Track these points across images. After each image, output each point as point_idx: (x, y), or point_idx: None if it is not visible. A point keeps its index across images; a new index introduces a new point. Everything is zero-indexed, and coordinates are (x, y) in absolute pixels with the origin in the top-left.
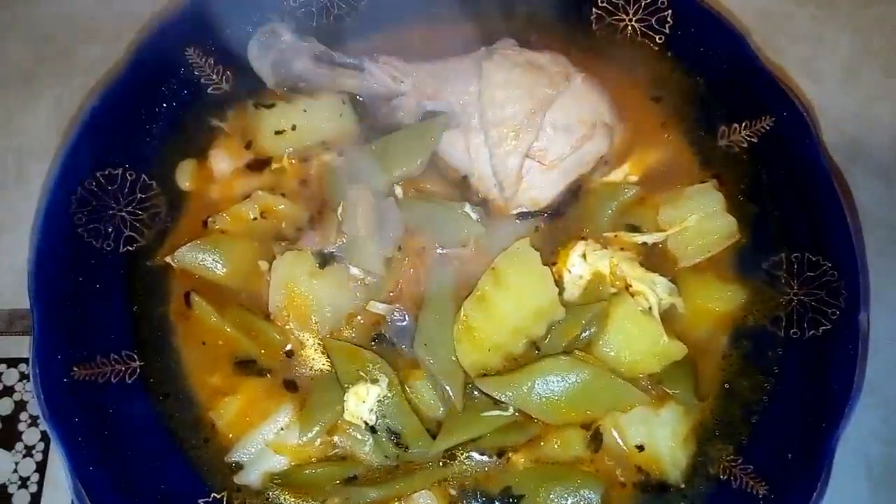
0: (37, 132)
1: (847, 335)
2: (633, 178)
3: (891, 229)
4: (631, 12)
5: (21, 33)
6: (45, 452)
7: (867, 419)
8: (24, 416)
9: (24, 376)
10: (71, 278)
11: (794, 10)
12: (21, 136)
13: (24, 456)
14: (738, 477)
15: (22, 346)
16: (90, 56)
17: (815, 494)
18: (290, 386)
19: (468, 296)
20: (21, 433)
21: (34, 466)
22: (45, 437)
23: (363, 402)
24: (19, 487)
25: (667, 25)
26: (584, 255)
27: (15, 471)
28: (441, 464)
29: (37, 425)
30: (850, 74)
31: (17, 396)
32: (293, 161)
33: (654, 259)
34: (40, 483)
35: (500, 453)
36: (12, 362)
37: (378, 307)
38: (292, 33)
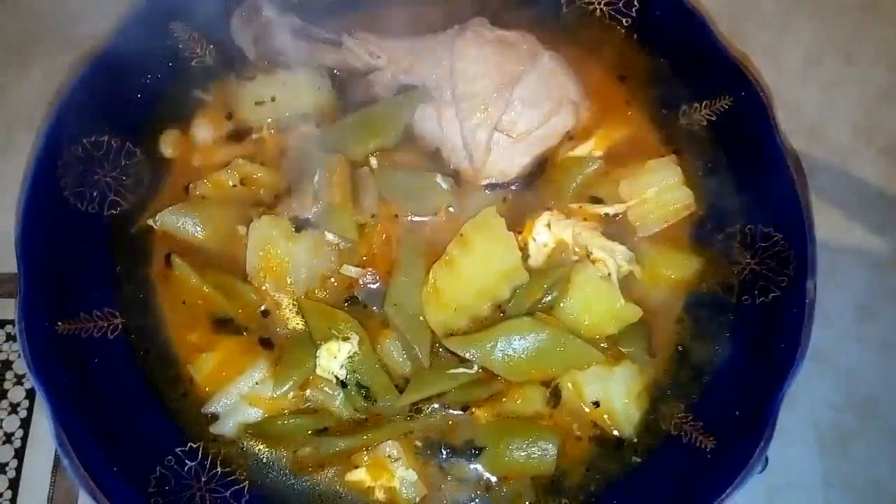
0: (27, 105)
1: (795, 301)
2: (598, 153)
3: (847, 210)
4: None
5: (13, 10)
6: (30, 410)
7: (818, 388)
8: (9, 374)
9: (9, 337)
10: (56, 239)
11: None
12: (11, 109)
13: (10, 413)
14: (688, 432)
15: (7, 308)
16: (80, 33)
17: (758, 449)
18: (266, 343)
19: (437, 260)
20: (6, 391)
21: (18, 423)
22: (29, 395)
23: (334, 358)
24: (3, 443)
25: (633, 9)
26: (548, 225)
27: (0, 427)
28: (408, 417)
29: (22, 384)
30: (812, 62)
31: (2, 356)
32: (272, 131)
33: (615, 229)
34: (24, 439)
35: (465, 408)
36: None
37: (351, 270)
38: (273, 9)
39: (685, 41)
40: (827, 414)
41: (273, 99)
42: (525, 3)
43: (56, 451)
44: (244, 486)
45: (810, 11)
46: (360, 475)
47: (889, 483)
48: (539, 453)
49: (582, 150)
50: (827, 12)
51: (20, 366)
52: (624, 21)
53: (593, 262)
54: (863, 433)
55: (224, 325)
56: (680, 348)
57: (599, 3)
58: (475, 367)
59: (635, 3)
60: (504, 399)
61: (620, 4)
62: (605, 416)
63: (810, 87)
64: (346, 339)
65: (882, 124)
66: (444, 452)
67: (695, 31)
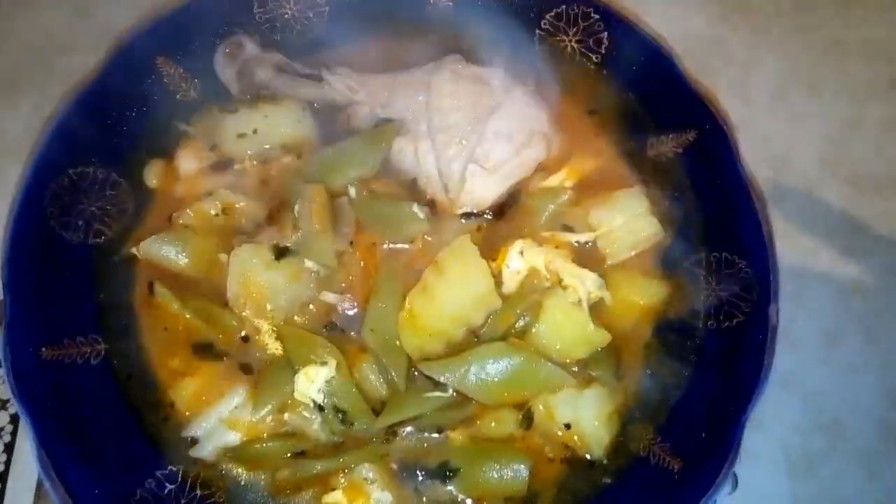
0: (15, 136)
1: (758, 326)
2: (569, 184)
3: (813, 237)
4: (571, 34)
5: (2, 44)
6: (13, 434)
7: (787, 411)
8: None
9: None
10: (42, 266)
11: (729, 36)
12: (0, 141)
13: None
14: (657, 454)
15: None
16: (69, 67)
17: (724, 469)
18: (246, 369)
19: (413, 287)
20: None
21: (2, 448)
22: (13, 420)
23: (312, 382)
24: None
25: (602, 46)
26: (521, 252)
27: None
28: (384, 440)
29: (6, 409)
30: (778, 96)
31: None
32: (254, 162)
33: (586, 256)
34: (7, 463)
35: (439, 430)
36: None
37: (329, 297)
38: (256, 45)
39: (652, 77)
40: (795, 436)
41: (255, 131)
42: (498, 41)
43: (38, 475)
44: None
45: (776, 48)
46: (336, 497)
47: (854, 502)
48: (512, 475)
49: (554, 180)
50: (792, 49)
51: (4, 391)
52: (594, 58)
53: (564, 288)
54: (829, 455)
55: (205, 350)
56: (648, 372)
57: (570, 42)
58: (450, 391)
59: (605, 41)
60: (478, 422)
61: (590, 42)
62: (576, 438)
63: (777, 120)
64: (323, 363)
65: (846, 155)
66: (420, 474)
67: (661, 68)
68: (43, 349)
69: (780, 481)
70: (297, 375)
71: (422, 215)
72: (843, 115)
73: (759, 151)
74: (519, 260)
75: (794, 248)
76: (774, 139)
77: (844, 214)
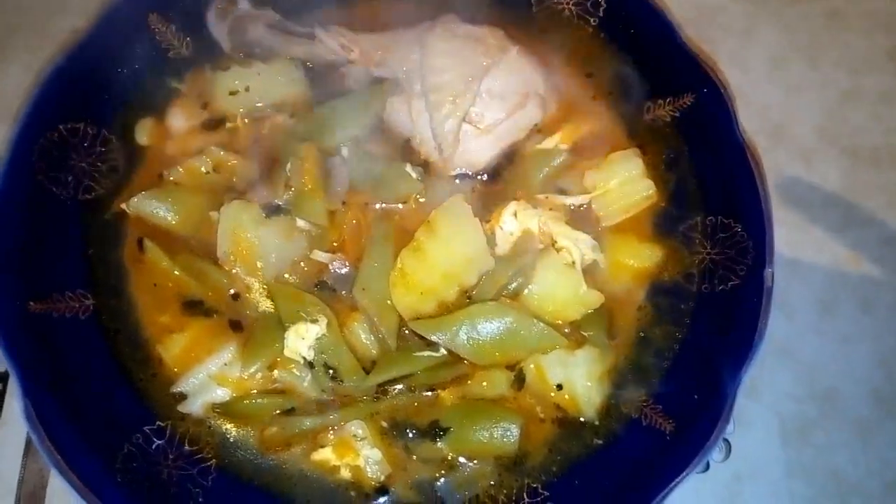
0: (6, 97)
1: (753, 289)
2: (565, 146)
3: (809, 206)
4: None
5: None
6: (2, 394)
7: (781, 379)
8: None
9: None
10: (31, 222)
11: (728, 5)
12: None
13: None
14: (648, 415)
15: None
16: (61, 28)
17: (715, 431)
18: (235, 326)
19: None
20: None
21: None
22: (2, 379)
23: (302, 339)
24: None
25: (600, 9)
26: (515, 214)
27: None
28: (374, 398)
29: None
30: (776, 66)
31: None
32: (246, 121)
33: (580, 219)
34: None
35: (430, 390)
36: None
37: (321, 256)
38: (249, 2)
39: (650, 40)
40: (789, 405)
41: (247, 89)
42: (495, 2)
43: (27, 434)
44: (211, 464)
45: (775, 18)
46: (325, 454)
47: (847, 470)
48: (502, 434)
49: (549, 143)
50: (791, 19)
51: None
52: (591, 21)
53: (558, 250)
54: (823, 423)
55: (194, 307)
56: (641, 334)
57: (568, 4)
58: (441, 350)
59: (602, 3)
60: (469, 381)
61: (588, 5)
62: (568, 398)
63: (774, 91)
64: (314, 321)
65: (844, 126)
66: (410, 433)
67: (659, 30)
68: (31, 303)
69: (774, 449)
70: (287, 332)
71: (415, 175)
72: (841, 85)
73: (758, 121)
74: (513, 221)
75: (790, 217)
76: (773, 109)
77: (841, 185)
